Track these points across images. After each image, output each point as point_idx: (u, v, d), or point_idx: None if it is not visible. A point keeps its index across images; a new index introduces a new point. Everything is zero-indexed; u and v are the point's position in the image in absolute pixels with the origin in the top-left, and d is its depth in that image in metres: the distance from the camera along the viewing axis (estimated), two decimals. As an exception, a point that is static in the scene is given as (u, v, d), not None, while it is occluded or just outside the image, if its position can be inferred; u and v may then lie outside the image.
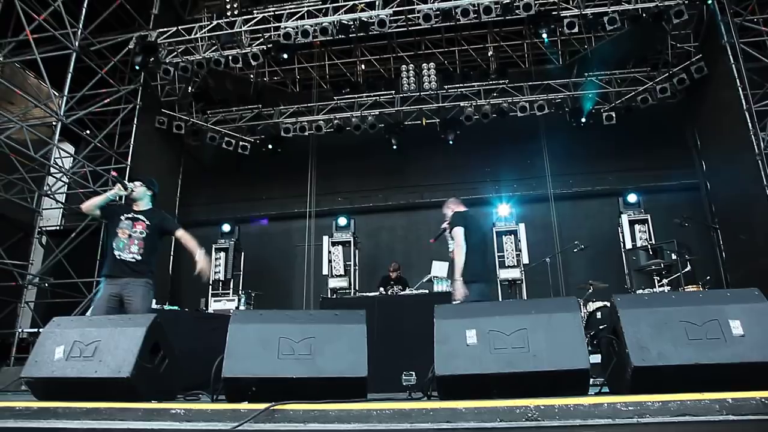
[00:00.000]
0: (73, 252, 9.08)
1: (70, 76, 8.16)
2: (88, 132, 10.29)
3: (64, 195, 10.04)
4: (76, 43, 8.17)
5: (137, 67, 9.32)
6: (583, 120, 10.11)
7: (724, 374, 2.42)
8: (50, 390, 3.12)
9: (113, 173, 4.65)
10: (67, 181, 9.56)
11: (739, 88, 7.70)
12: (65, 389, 3.05)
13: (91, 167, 9.32)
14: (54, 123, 8.48)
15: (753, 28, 8.13)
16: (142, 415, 2.61)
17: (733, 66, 7.81)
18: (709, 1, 7.96)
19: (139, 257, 4.20)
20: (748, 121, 7.58)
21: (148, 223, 4.29)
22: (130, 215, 4.31)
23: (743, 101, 7.65)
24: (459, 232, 4.48)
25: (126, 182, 4.41)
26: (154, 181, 4.61)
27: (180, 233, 4.41)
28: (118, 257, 4.17)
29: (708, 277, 6.64)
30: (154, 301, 4.40)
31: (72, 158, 9.83)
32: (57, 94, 8.40)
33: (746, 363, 2.45)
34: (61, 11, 7.95)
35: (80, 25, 8.22)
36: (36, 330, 7.98)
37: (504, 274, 9.60)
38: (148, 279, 4.23)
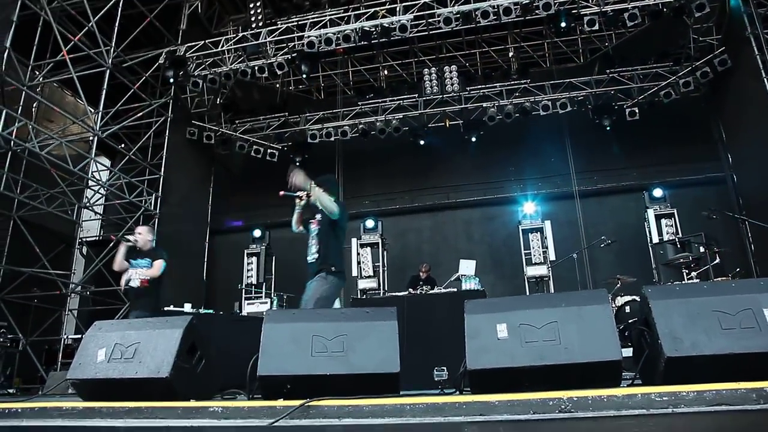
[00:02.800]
0: (112, 260, 9.36)
1: (104, 92, 8.47)
2: (123, 145, 10.63)
3: (102, 206, 10.42)
4: (110, 61, 8.48)
5: (168, 81, 9.63)
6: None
7: (760, 363, 2.37)
8: (94, 391, 3.25)
9: (281, 193, 4.49)
10: (104, 193, 9.92)
11: (765, 79, 7.56)
12: (108, 390, 3.17)
13: (127, 179, 9.66)
14: (91, 138, 8.84)
15: (777, 19, 7.97)
16: (181, 413, 2.70)
17: (758, 57, 7.65)
18: (731, -7, 7.81)
19: (317, 255, 4.22)
20: (774, 111, 7.45)
21: (319, 218, 4.32)
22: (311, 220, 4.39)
23: (768, 92, 7.50)
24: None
25: (301, 193, 4.35)
26: (331, 178, 4.59)
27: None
28: (308, 263, 4.27)
29: (738, 269, 6.45)
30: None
31: (108, 171, 10.19)
32: (93, 110, 8.73)
33: (783, 352, 2.39)
34: (94, 31, 8.27)
35: (113, 44, 8.55)
36: (80, 336, 8.28)
37: (531, 271, 9.57)
38: (324, 273, 4.15)
